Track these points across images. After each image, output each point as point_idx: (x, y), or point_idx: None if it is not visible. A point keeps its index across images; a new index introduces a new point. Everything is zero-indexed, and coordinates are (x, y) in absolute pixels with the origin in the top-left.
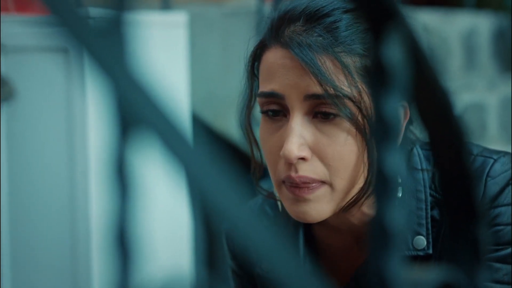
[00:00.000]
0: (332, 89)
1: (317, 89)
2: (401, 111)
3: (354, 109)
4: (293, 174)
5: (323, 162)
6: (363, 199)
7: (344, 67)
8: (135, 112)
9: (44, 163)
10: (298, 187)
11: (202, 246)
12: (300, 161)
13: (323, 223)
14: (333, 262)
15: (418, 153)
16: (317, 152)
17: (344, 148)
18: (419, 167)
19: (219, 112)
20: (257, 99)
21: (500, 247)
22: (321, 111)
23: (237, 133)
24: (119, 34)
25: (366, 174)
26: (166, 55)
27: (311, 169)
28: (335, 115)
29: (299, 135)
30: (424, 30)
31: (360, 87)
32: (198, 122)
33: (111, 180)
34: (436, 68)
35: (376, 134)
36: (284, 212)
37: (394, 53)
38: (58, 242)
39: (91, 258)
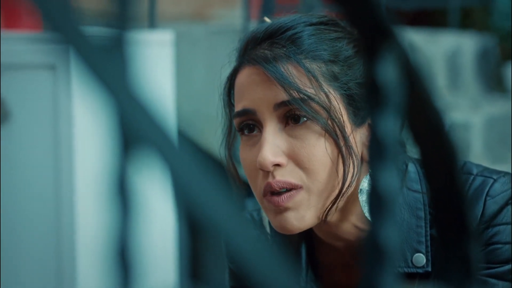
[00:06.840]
0: (295, 92)
1: (284, 96)
2: (397, 130)
3: (321, 111)
4: (270, 179)
5: (299, 166)
6: (339, 200)
7: (308, 72)
8: (137, 130)
9: (31, 180)
10: (278, 195)
11: (187, 260)
12: (277, 167)
13: (320, 241)
14: (334, 280)
15: (417, 171)
16: (292, 157)
17: (317, 149)
18: (418, 185)
19: (205, 129)
20: (233, 121)
21: (498, 265)
22: (291, 114)
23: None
24: (121, 52)
25: (341, 179)
26: (152, 73)
27: (288, 174)
28: (306, 118)
29: (272, 143)
30: (411, 50)
31: (327, 90)
32: (183, 139)
33: (112, 196)
34: (429, 87)
35: (371, 153)
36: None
37: (388, 72)
38: (43, 259)
39: (77, 272)
